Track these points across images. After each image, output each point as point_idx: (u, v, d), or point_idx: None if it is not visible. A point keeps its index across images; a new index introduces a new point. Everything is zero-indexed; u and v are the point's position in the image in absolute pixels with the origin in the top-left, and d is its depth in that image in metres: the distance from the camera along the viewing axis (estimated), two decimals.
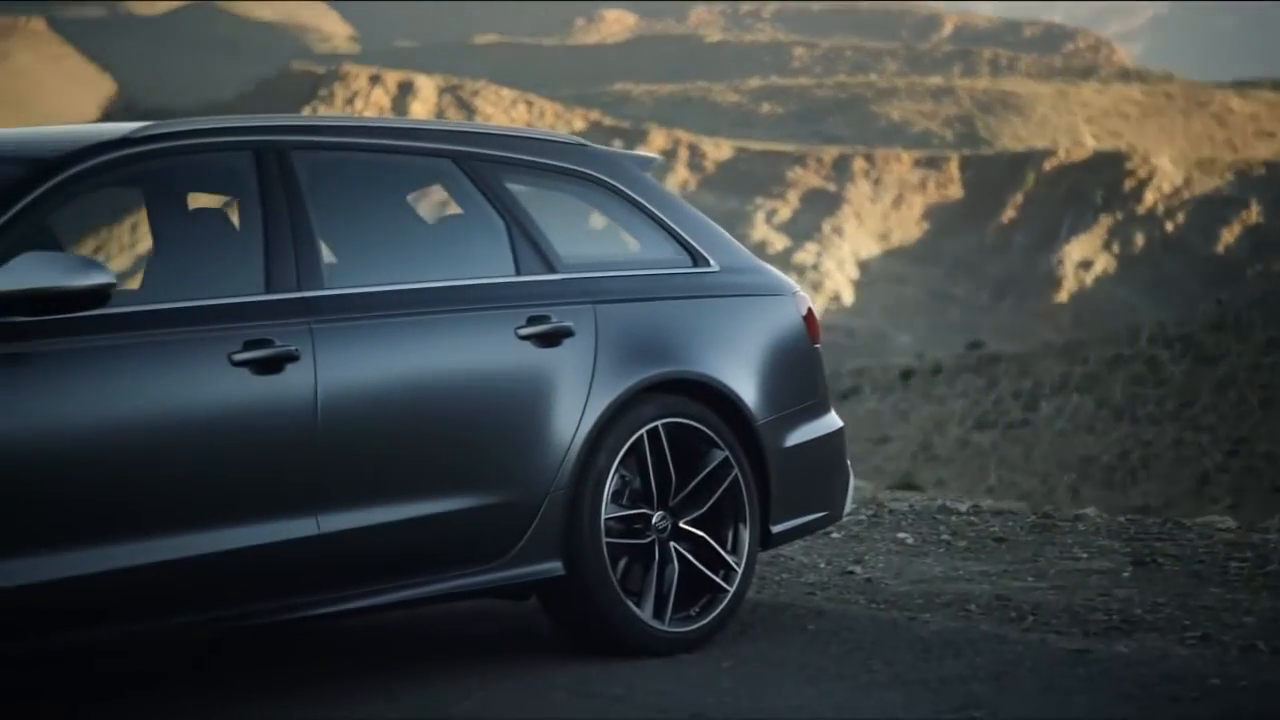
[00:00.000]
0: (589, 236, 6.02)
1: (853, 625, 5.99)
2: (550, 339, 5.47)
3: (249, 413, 4.89)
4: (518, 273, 5.54)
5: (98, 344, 4.68)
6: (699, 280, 5.90)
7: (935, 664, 5.53)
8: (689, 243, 5.95)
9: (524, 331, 5.43)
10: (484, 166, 5.60)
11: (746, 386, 5.80)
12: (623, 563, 5.59)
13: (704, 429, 5.68)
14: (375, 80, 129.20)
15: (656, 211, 5.94)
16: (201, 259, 5.14)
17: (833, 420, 6.14)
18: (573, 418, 5.45)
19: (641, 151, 6.17)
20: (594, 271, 5.71)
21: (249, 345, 4.91)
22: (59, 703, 5.19)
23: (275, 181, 5.13)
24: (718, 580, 5.69)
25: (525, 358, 5.41)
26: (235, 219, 5.19)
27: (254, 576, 4.90)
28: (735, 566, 5.72)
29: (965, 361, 53.72)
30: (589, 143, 5.96)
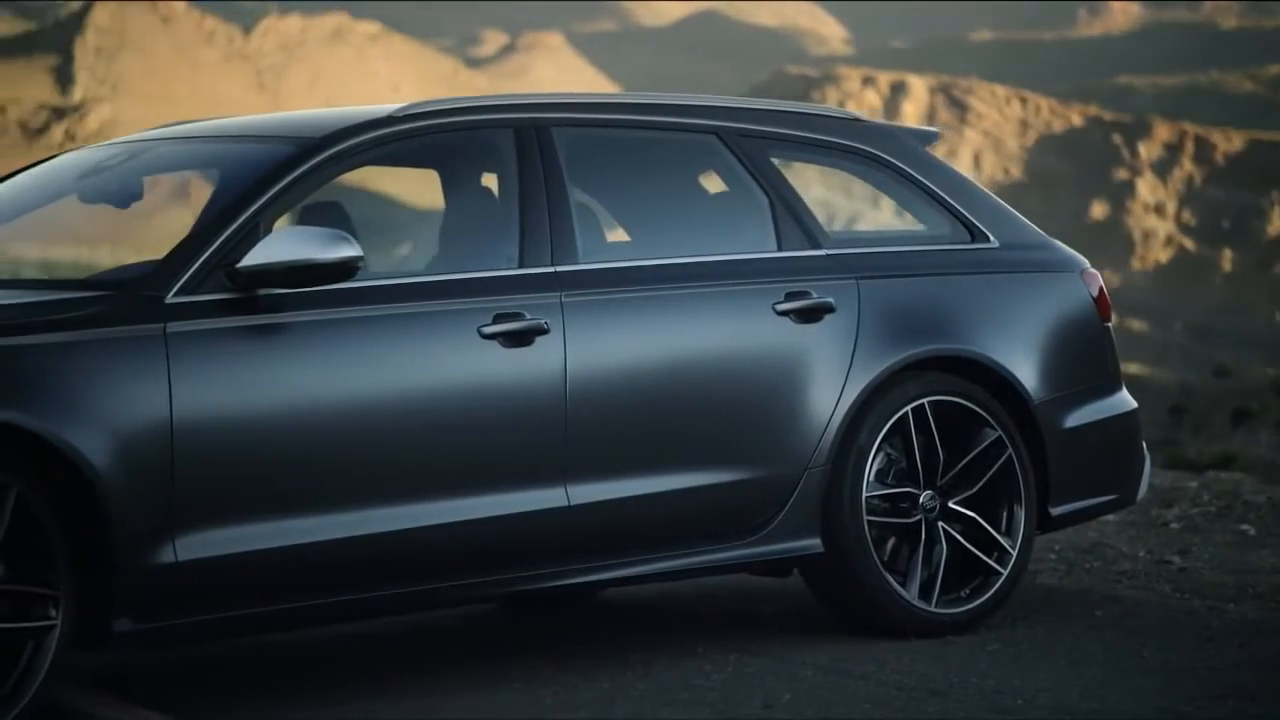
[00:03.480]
0: None
1: (1142, 612, 5.78)
2: (810, 314, 5.46)
3: (498, 385, 5.04)
4: (779, 248, 5.56)
5: (350, 316, 4.90)
6: (975, 256, 5.79)
7: (1213, 652, 5.29)
8: (968, 218, 5.85)
9: (782, 307, 5.44)
10: (749, 142, 5.62)
11: (1023, 364, 5.66)
12: (890, 542, 5.54)
13: (974, 407, 5.57)
14: (867, 82, 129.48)
15: (934, 187, 5.86)
16: (460, 233, 5.35)
17: (1123, 401, 5.92)
18: (831, 394, 5.43)
19: (924, 126, 6.09)
20: (861, 247, 5.68)
21: (499, 318, 5.07)
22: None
23: (534, 158, 5.26)
24: (990, 562, 5.57)
25: (782, 333, 5.42)
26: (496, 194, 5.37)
27: (503, 546, 5.06)
28: (1009, 549, 5.59)
29: None
30: (864, 117, 5.92)
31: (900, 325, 5.56)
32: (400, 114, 5.21)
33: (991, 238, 5.85)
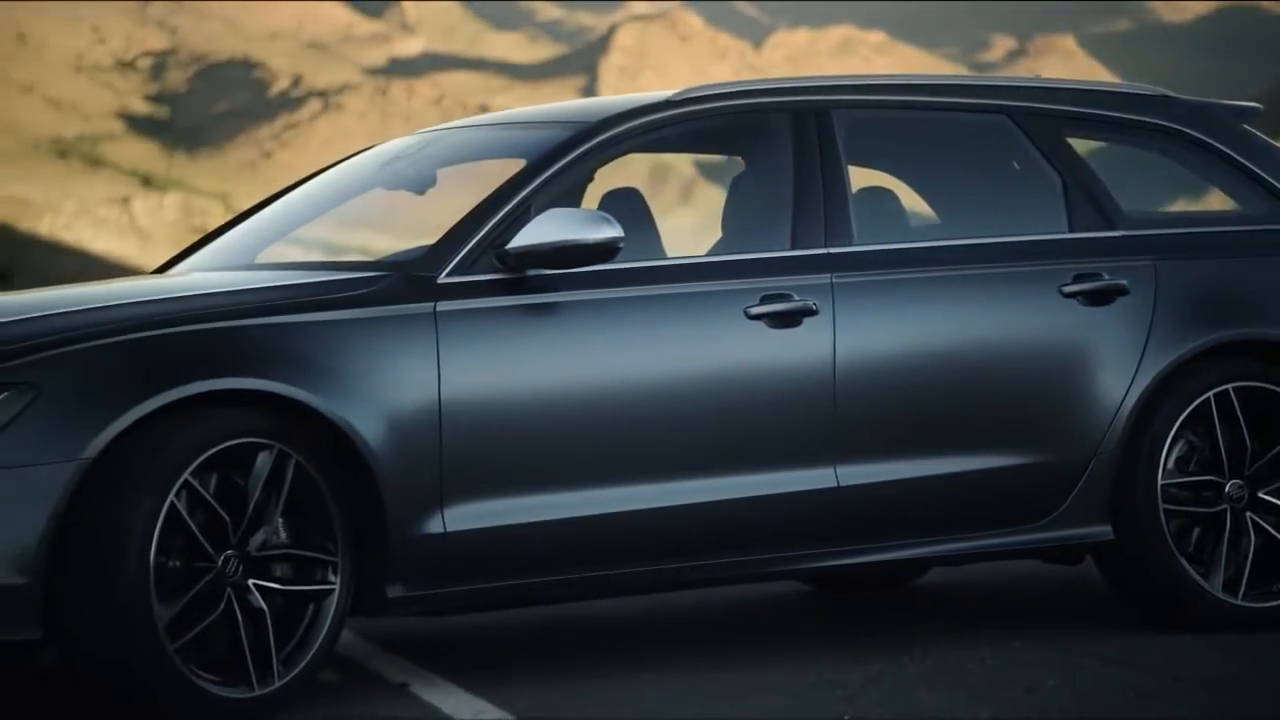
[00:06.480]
0: None
1: None
2: (1100, 296, 5.29)
3: (764, 365, 5.05)
4: (1070, 229, 5.40)
5: (617, 296, 4.99)
6: None
7: None
8: None
9: (1069, 289, 5.29)
10: (1043, 122, 5.48)
11: None
12: (1195, 533, 5.32)
13: None
14: None
15: (1251, 165, 5.59)
16: (737, 216, 5.39)
17: None
18: (1123, 378, 5.25)
19: (1241, 101, 5.81)
20: (1161, 228, 5.47)
21: (766, 299, 5.10)
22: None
23: (810, 140, 5.25)
24: None
25: (1068, 316, 5.27)
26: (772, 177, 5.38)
27: (771, 526, 5.07)
28: None
29: None
30: (1174, 94, 5.69)
31: (1202, 308, 5.33)
32: (677, 98, 5.28)
33: None
